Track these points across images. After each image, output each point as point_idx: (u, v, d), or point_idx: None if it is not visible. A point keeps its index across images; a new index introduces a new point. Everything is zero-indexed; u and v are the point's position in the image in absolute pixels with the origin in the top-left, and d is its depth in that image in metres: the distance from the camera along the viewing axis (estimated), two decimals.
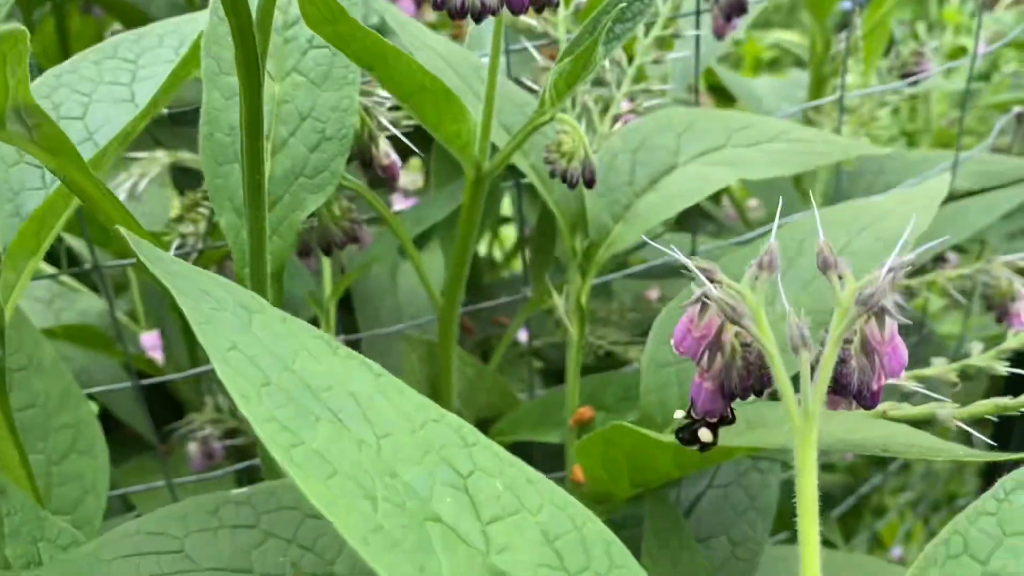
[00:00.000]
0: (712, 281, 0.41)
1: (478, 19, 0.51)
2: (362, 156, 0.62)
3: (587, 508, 0.65)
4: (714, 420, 0.44)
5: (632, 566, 0.37)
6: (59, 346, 0.96)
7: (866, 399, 0.41)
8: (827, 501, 1.29)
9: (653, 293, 1.06)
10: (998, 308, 0.89)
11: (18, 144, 0.44)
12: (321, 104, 0.58)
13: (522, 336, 1.14)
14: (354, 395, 0.36)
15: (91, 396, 1.08)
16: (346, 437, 0.35)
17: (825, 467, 1.41)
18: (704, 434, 0.45)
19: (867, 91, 1.07)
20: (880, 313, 0.40)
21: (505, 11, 0.52)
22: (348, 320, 0.93)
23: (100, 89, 0.66)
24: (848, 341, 0.40)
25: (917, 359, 1.19)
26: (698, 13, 0.83)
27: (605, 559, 0.37)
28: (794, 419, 0.38)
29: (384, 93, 0.63)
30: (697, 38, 0.83)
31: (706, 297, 0.41)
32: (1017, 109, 1.17)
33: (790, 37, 2.08)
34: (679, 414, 0.46)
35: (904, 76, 1.22)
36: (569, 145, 0.59)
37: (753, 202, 1.29)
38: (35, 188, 0.59)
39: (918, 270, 1.05)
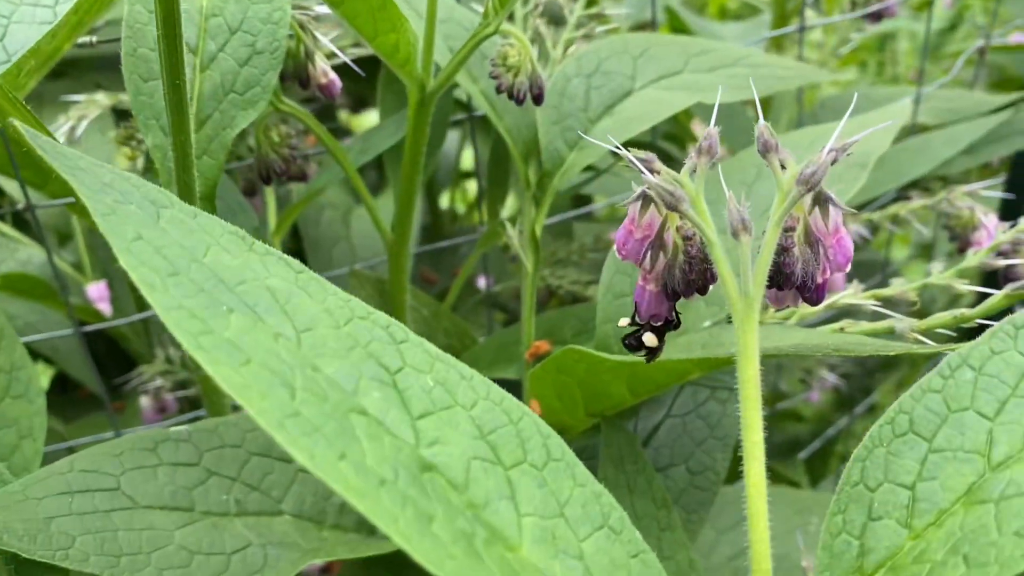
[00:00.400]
0: (651, 171, 0.39)
1: None
2: (298, 75, 0.59)
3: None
4: (659, 324, 0.43)
5: (570, 459, 0.36)
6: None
7: (811, 292, 0.39)
8: (794, 446, 1.29)
9: (613, 234, 1.04)
10: (960, 239, 0.88)
11: None
12: (252, 16, 0.55)
13: (484, 283, 1.12)
14: (271, 290, 0.34)
15: (47, 359, 1.05)
16: (261, 329, 0.32)
17: (792, 415, 1.41)
18: (649, 339, 0.43)
19: (827, 20, 1.05)
20: (824, 202, 0.38)
21: None
22: None
23: (20, 10, 0.62)
24: (790, 229, 0.38)
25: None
26: None
27: (542, 452, 0.36)
28: (734, 303, 0.36)
29: (322, 8, 0.60)
30: None
31: (645, 189, 0.39)
32: (979, 43, 1.15)
33: None
34: (624, 321, 0.44)
35: (868, 16, 1.20)
36: (515, 58, 0.57)
37: (721, 151, 1.27)
38: None
39: (882, 205, 1.04)
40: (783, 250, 0.38)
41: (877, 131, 0.74)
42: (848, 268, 0.41)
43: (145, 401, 0.97)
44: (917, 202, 0.90)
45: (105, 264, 0.99)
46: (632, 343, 0.44)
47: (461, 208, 1.44)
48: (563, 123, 0.72)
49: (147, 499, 0.55)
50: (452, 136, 1.30)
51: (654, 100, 0.73)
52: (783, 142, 0.75)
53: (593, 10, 0.76)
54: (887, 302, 0.62)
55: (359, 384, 0.33)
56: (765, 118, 1.16)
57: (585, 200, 1.08)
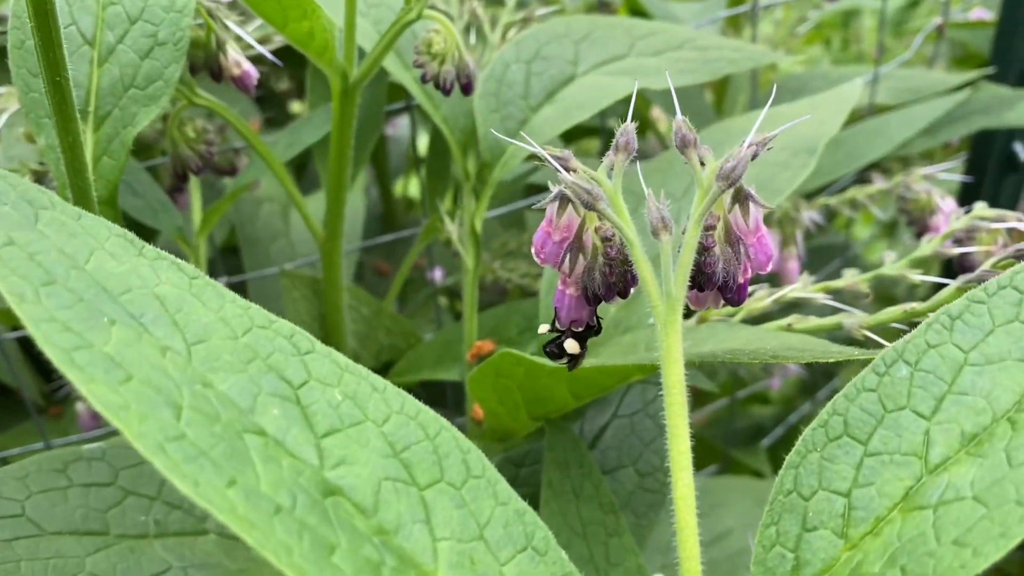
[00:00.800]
0: (568, 170, 0.36)
1: None
2: (209, 67, 0.56)
3: (482, 444, 0.60)
4: (580, 329, 0.40)
5: (491, 475, 0.33)
6: None
7: (732, 292, 0.36)
8: (757, 433, 1.27)
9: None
10: (918, 223, 0.86)
11: None
12: (153, 5, 0.51)
13: (437, 275, 1.09)
14: (161, 298, 0.31)
15: None
16: (147, 342, 0.29)
17: (757, 398, 1.39)
18: (571, 345, 0.40)
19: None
20: (744, 200, 0.35)
21: None
22: (237, 263, 0.87)
23: None
24: (710, 227, 0.36)
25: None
26: None
27: (461, 469, 0.33)
28: (656, 305, 0.33)
29: None
30: None
31: (562, 188, 0.36)
32: (937, 20, 1.13)
33: None
34: (544, 328, 0.41)
35: None
36: (440, 45, 0.53)
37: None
38: None
39: (838, 189, 1.02)
40: (704, 249, 0.35)
41: (827, 115, 0.72)
42: (769, 268, 0.38)
43: (81, 407, 0.93)
44: (873, 186, 0.88)
45: None
46: (554, 350, 0.41)
47: (417, 195, 1.40)
48: (502, 111, 0.69)
49: (55, 525, 0.52)
50: (405, 121, 1.26)
51: (597, 86, 0.70)
52: (729, 128, 0.72)
53: None
54: (838, 294, 0.60)
55: (256, 401, 0.30)
56: (722, 101, 1.12)
57: (540, 188, 1.05)
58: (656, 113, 1.22)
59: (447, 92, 0.55)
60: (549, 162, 0.36)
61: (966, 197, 1.21)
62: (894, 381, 0.32)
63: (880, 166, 1.16)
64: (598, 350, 0.59)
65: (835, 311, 0.58)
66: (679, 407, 0.33)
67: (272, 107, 1.14)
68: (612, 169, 0.36)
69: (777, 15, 1.13)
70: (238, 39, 0.56)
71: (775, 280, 0.86)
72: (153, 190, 0.68)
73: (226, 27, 0.55)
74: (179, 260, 0.34)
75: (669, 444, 0.34)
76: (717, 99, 1.15)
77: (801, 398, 1.37)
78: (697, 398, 1.15)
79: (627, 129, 0.36)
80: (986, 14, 1.36)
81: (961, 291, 0.49)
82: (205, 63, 0.55)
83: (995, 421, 0.30)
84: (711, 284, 0.35)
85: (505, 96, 0.69)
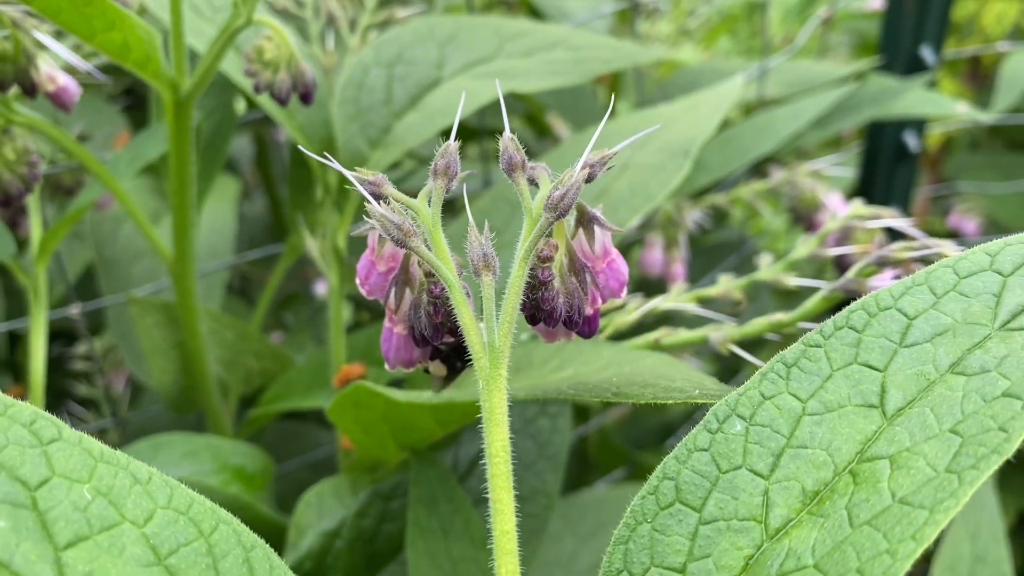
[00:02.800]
0: (379, 197, 0.32)
1: None
2: (21, 82, 0.50)
3: (352, 475, 0.56)
4: (445, 350, 0.36)
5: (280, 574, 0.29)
6: None
7: (579, 325, 0.33)
8: (665, 432, 1.26)
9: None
10: (805, 219, 0.85)
11: None
12: None
13: (321, 288, 1.04)
14: None
15: None
16: None
17: None
18: (436, 368, 0.36)
19: None
20: (588, 224, 0.32)
21: None
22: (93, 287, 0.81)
23: None
24: (547, 259, 0.32)
25: (739, 279, 1.14)
26: None
27: (243, 571, 0.28)
28: (478, 358, 0.30)
29: None
30: None
31: (371, 216, 0.32)
32: (822, 13, 1.13)
33: None
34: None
35: None
36: (273, 52, 0.49)
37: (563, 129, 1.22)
38: None
39: (730, 185, 1.00)
40: (541, 284, 0.32)
41: (705, 115, 0.69)
42: (624, 293, 0.35)
43: None
44: (759, 184, 0.86)
45: None
46: (426, 371, 0.37)
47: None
48: (363, 119, 0.65)
49: None
50: None
51: (464, 90, 0.66)
52: (608, 130, 0.69)
53: None
54: (710, 302, 0.57)
55: None
56: (618, 99, 1.09)
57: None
58: (552, 118, 1.19)
59: (283, 102, 0.50)
60: (359, 189, 0.32)
61: (862, 189, 1.22)
62: (728, 438, 0.29)
63: (776, 159, 1.15)
64: (467, 377, 0.55)
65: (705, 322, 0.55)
66: (503, 478, 0.30)
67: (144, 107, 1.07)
68: (431, 193, 0.32)
69: (666, 8, 1.11)
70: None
71: (661, 284, 0.84)
72: None
73: (36, 40, 0.49)
74: None
75: (492, 522, 0.30)
76: (608, 96, 1.13)
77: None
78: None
79: (447, 150, 0.32)
80: (881, 4, 1.37)
81: (827, 300, 0.47)
82: (15, 77, 0.50)
83: (836, 475, 0.27)
84: (552, 320, 0.32)
85: (365, 103, 0.65)
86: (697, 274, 1.05)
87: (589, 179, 0.31)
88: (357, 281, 0.36)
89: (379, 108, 0.65)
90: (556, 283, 0.32)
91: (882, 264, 0.45)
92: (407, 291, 0.34)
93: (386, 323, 0.36)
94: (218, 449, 0.63)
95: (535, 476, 0.61)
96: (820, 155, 1.35)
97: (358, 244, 0.86)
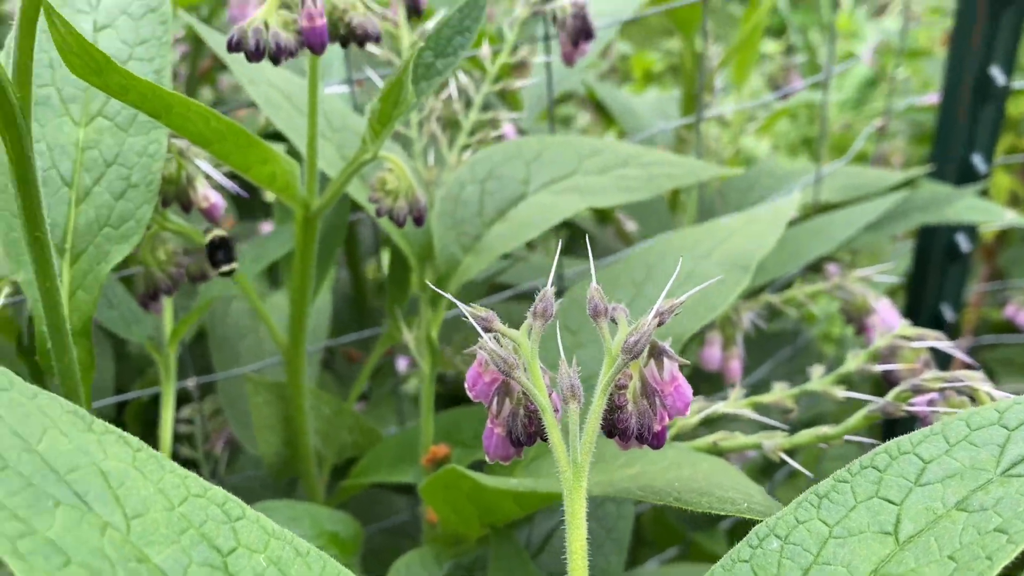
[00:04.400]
0: (489, 330, 0.40)
1: (276, 61, 0.50)
2: (180, 199, 0.60)
3: (436, 547, 0.63)
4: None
5: None
6: None
7: (649, 439, 0.40)
8: (716, 515, 1.30)
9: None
10: (856, 322, 0.91)
11: None
12: (128, 149, 0.55)
13: (403, 364, 1.12)
14: (105, 474, 0.34)
15: None
16: (89, 521, 0.32)
17: None
18: None
19: (731, 108, 1.09)
20: (659, 356, 0.40)
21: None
22: (206, 362, 0.90)
23: None
24: (623, 387, 0.40)
25: (793, 371, 1.19)
26: (547, 39, 0.83)
27: None
28: (563, 470, 0.37)
29: None
30: (547, 66, 0.82)
31: (481, 348, 0.40)
32: (876, 122, 1.20)
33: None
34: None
35: (776, 91, 1.24)
36: (394, 183, 0.58)
37: (632, 224, 1.30)
38: None
39: (784, 287, 1.07)
40: (617, 408, 0.39)
41: (764, 230, 0.77)
42: (688, 412, 0.42)
43: None
44: (814, 286, 0.93)
45: (3, 361, 0.98)
46: None
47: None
48: (458, 228, 0.74)
49: None
50: None
51: (546, 205, 0.74)
52: (673, 242, 0.77)
53: (488, 115, 0.78)
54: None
55: (187, 571, 0.33)
56: (674, 202, 1.17)
57: (502, 287, 1.10)
58: (620, 213, 1.27)
59: (401, 224, 0.59)
60: (473, 324, 0.40)
61: (914, 286, 1.27)
62: (766, 553, 0.36)
63: (830, 256, 1.21)
64: (539, 466, 0.62)
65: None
66: (580, 572, 0.36)
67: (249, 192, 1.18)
68: (531, 331, 0.40)
69: (727, 110, 1.19)
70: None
71: (718, 377, 0.91)
72: (127, 301, 0.71)
73: (196, 166, 0.59)
74: (125, 434, 0.37)
75: None
76: (672, 194, 1.21)
77: (760, 478, 1.41)
78: None
79: (546, 295, 0.40)
80: (938, 98, 1.44)
81: (868, 419, 0.53)
82: (175, 196, 0.60)
83: None
84: (626, 436, 0.39)
85: (460, 214, 0.74)
86: (753, 364, 1.11)
87: (660, 324, 0.39)
88: (467, 386, 0.44)
89: (472, 219, 0.74)
90: (630, 407, 0.40)
91: (918, 391, 0.51)
92: (507, 401, 0.42)
93: (488, 424, 0.43)
94: (316, 516, 0.70)
95: (602, 557, 0.67)
96: (868, 257, 1.40)
97: (445, 333, 0.93)
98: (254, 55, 0.48)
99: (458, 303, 0.41)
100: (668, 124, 1.07)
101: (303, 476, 0.79)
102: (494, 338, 0.40)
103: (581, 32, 0.78)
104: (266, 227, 1.10)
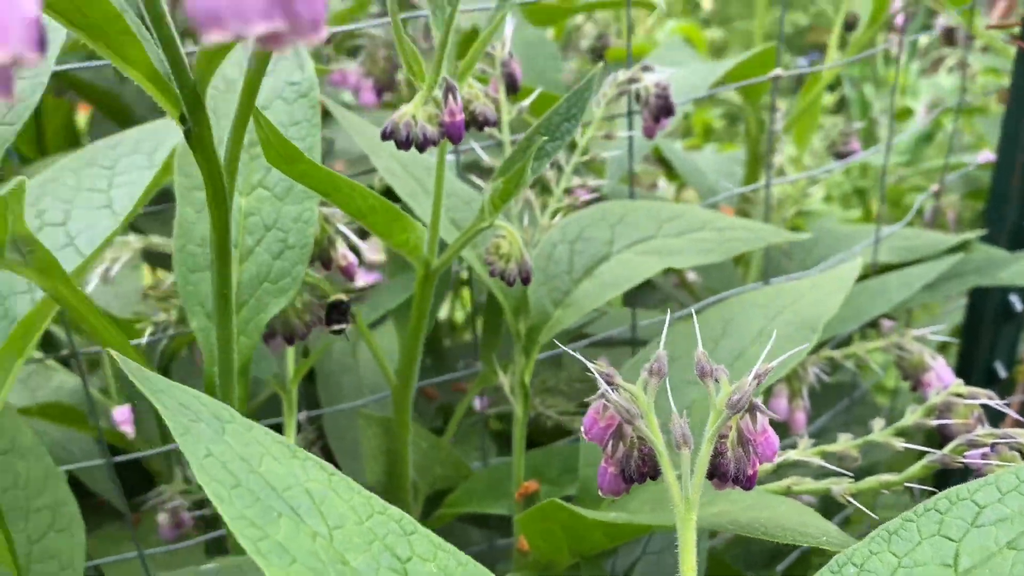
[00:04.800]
0: (610, 384, 0.48)
1: (422, 149, 0.59)
2: (322, 258, 0.69)
3: (526, 573, 0.71)
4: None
5: None
6: (34, 422, 1.01)
7: (743, 482, 0.48)
8: (774, 556, 1.35)
9: (600, 364, 1.13)
10: (912, 378, 0.98)
11: (14, 270, 0.51)
12: (284, 216, 0.64)
13: (479, 403, 1.20)
14: (310, 493, 0.42)
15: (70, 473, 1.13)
16: (303, 530, 0.41)
17: None
18: None
19: (795, 177, 1.16)
20: (753, 411, 0.47)
21: None
22: (312, 395, 0.99)
23: (80, 196, 0.72)
24: (724, 436, 0.47)
25: (850, 420, 1.26)
26: (630, 114, 0.92)
27: None
28: (677, 506, 0.45)
29: None
30: (630, 138, 0.91)
31: (605, 398, 0.48)
32: (933, 187, 1.26)
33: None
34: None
35: (835, 155, 1.32)
36: (506, 248, 0.67)
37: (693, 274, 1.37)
38: (22, 292, 0.65)
39: (843, 341, 1.13)
40: (719, 454, 0.47)
41: (828, 293, 0.84)
42: (775, 459, 0.49)
43: (163, 518, 1.04)
44: (872, 344, 0.99)
45: (129, 389, 1.08)
46: None
47: (459, 319, 1.53)
48: (550, 284, 0.82)
49: None
50: None
51: (629, 264, 0.83)
52: (745, 301, 0.84)
53: (577, 182, 0.87)
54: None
55: (378, 573, 0.41)
56: (739, 262, 1.25)
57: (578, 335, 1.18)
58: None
59: (510, 284, 0.68)
60: (597, 379, 0.48)
61: (967, 344, 1.32)
62: None
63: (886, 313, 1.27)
64: (626, 502, 0.70)
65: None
66: None
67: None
68: (647, 385, 0.48)
69: (791, 177, 1.26)
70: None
71: (782, 427, 0.97)
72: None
73: (338, 230, 0.68)
74: (320, 460, 0.45)
75: None
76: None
77: None
78: None
79: (660, 357, 0.48)
80: (992, 156, 1.50)
81: (927, 468, 0.60)
82: (318, 255, 0.69)
83: None
84: (725, 479, 0.47)
85: (551, 271, 0.82)
86: (814, 414, 1.17)
87: (758, 384, 0.46)
88: (583, 429, 0.52)
89: (562, 276, 0.82)
90: (729, 453, 0.47)
91: (973, 445, 0.58)
92: (620, 444, 0.50)
93: (603, 463, 0.51)
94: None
95: None
96: (924, 316, 1.46)
97: (537, 364, 1.01)
98: (404, 144, 0.58)
99: (582, 358, 0.49)
100: (740, 189, 1.15)
101: (400, 504, 0.87)
102: (613, 390, 0.48)
103: (663, 110, 0.86)
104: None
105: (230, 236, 0.52)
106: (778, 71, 0.97)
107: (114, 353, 0.44)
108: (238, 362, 0.62)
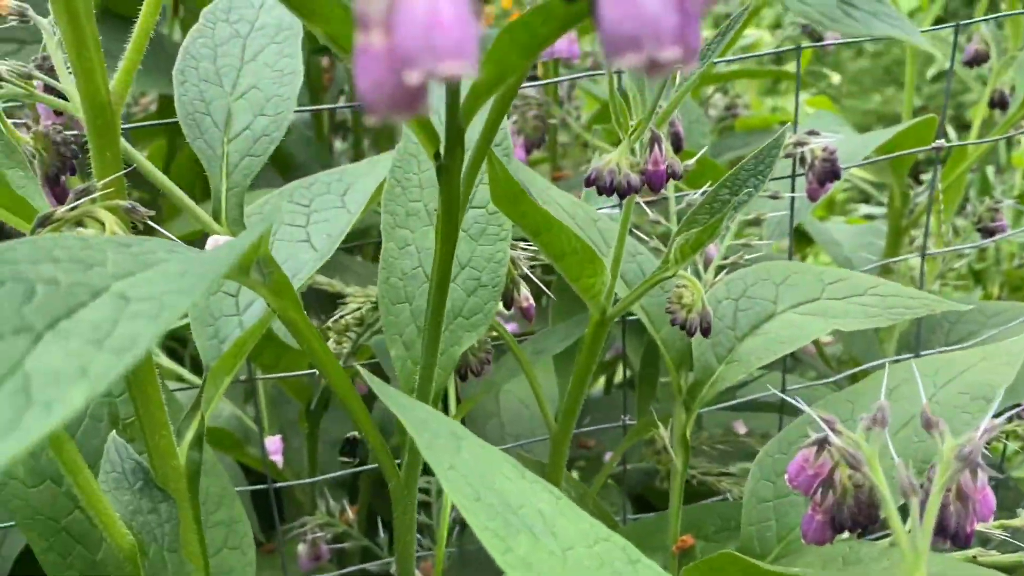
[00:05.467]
0: (832, 430, 0.48)
1: (623, 196, 0.61)
2: (504, 298, 0.72)
3: None
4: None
5: None
6: None
7: (961, 540, 0.47)
8: None
9: (739, 426, 1.13)
10: None
11: (254, 288, 0.55)
12: (478, 255, 0.67)
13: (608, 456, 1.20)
14: (541, 513, 0.44)
15: None
16: (541, 547, 0.42)
17: None
18: None
19: (948, 250, 1.15)
20: (974, 468, 0.47)
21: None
22: None
23: (281, 229, 0.77)
24: (949, 490, 0.47)
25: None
26: (793, 176, 0.93)
27: None
28: (905, 555, 0.44)
29: (525, 245, 0.73)
30: (792, 200, 0.92)
31: (827, 443, 0.48)
32: None
33: (866, 176, 2.18)
34: None
35: (981, 231, 1.29)
36: (688, 298, 0.68)
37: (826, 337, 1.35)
38: (230, 315, 0.70)
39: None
40: (942, 506, 0.47)
41: (999, 364, 0.82)
42: (991, 519, 0.48)
43: (303, 548, 1.07)
44: None
45: (281, 420, 1.12)
46: None
47: None
48: (714, 339, 0.83)
49: None
50: None
51: (794, 324, 0.83)
52: (907, 369, 0.83)
53: (741, 240, 0.88)
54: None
55: None
56: (879, 331, 1.22)
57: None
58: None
59: (691, 334, 0.69)
60: (820, 423, 0.49)
61: None
62: None
63: None
64: (792, 562, 0.69)
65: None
66: None
67: None
68: (868, 433, 0.48)
69: (929, 244, 1.25)
70: (526, 278, 0.72)
71: None
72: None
73: (523, 272, 0.71)
74: (548, 484, 0.47)
75: None
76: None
77: None
78: None
79: (883, 407, 0.48)
80: None
81: None
82: (501, 295, 0.72)
83: None
84: (946, 534, 0.46)
85: (716, 327, 0.83)
86: None
87: (987, 442, 0.46)
88: (787, 477, 0.52)
89: (726, 332, 0.82)
90: (952, 508, 0.47)
91: None
92: (830, 492, 0.50)
93: (810, 511, 0.51)
94: None
95: None
96: None
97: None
98: (607, 190, 0.60)
99: (804, 407, 0.50)
100: (895, 259, 1.14)
101: None
102: (829, 438, 0.48)
103: (829, 174, 0.87)
104: None
105: (450, 273, 0.55)
106: (941, 142, 0.97)
107: (364, 372, 0.47)
108: (433, 392, 0.64)
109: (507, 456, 0.47)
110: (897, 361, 1.10)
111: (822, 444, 0.50)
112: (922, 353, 1.06)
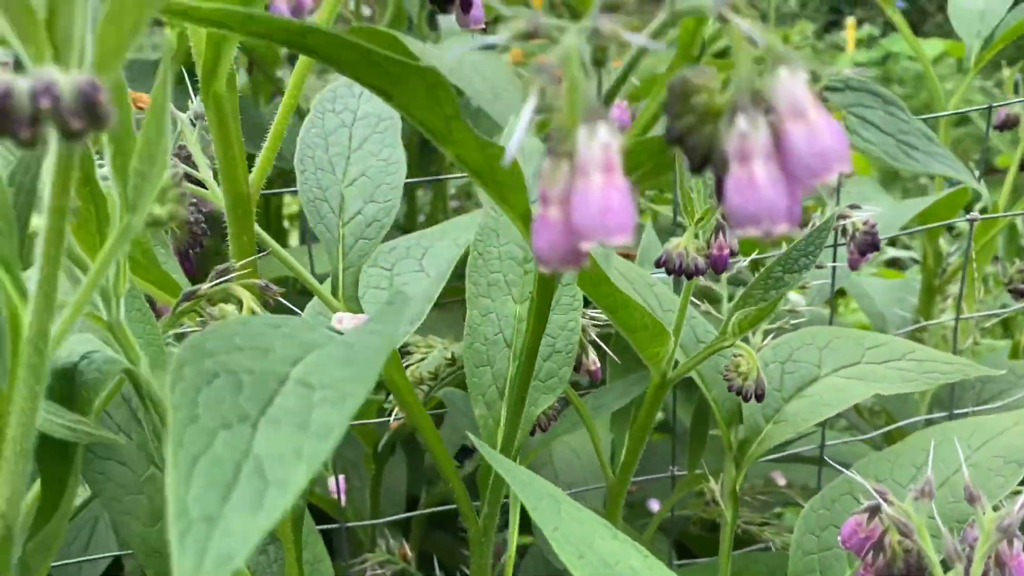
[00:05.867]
0: (883, 499, 0.54)
1: (689, 277, 0.68)
2: (575, 363, 0.78)
3: None
4: None
5: None
6: None
7: None
8: None
9: (779, 477, 1.18)
10: None
11: None
12: (552, 323, 0.74)
13: (655, 505, 1.26)
14: (634, 570, 0.50)
15: None
16: None
17: None
18: None
19: (981, 315, 1.20)
20: (1011, 538, 0.53)
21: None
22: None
23: (368, 293, 0.84)
24: (987, 557, 0.53)
25: None
26: (835, 246, 0.99)
27: None
28: None
29: (592, 312, 0.80)
30: (833, 269, 0.98)
31: (878, 511, 0.54)
32: None
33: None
34: None
35: (1012, 291, 1.35)
36: (745, 367, 0.75)
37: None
38: None
39: None
40: (984, 572, 0.52)
41: None
42: None
43: None
44: None
45: (345, 461, 1.19)
46: None
47: None
48: (763, 400, 0.89)
49: None
50: None
51: (837, 387, 0.89)
52: (945, 432, 0.89)
53: (787, 307, 0.94)
54: None
55: None
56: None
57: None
58: None
59: (747, 400, 0.75)
60: (873, 495, 0.55)
61: None
62: None
63: None
64: None
65: None
66: None
67: None
68: (916, 504, 0.54)
69: (971, 315, 1.30)
70: (593, 343, 0.79)
71: None
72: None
73: (591, 338, 0.78)
74: (635, 543, 0.53)
75: None
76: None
77: None
78: None
79: (929, 480, 0.55)
80: None
81: None
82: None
83: None
84: None
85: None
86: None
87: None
88: (840, 539, 0.58)
89: (774, 394, 0.89)
90: (992, 574, 0.53)
91: None
92: (881, 555, 0.56)
93: (861, 571, 0.57)
94: None
95: None
96: None
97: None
98: (676, 271, 0.67)
99: (855, 476, 0.56)
100: (930, 322, 1.20)
101: None
102: (880, 505, 0.55)
103: (870, 245, 0.94)
104: None
105: (540, 342, 0.62)
106: (975, 214, 1.03)
107: (473, 437, 0.53)
108: (515, 448, 0.71)
109: (598, 518, 0.53)
110: (930, 420, 1.16)
111: (874, 511, 0.56)
112: (955, 412, 1.12)
